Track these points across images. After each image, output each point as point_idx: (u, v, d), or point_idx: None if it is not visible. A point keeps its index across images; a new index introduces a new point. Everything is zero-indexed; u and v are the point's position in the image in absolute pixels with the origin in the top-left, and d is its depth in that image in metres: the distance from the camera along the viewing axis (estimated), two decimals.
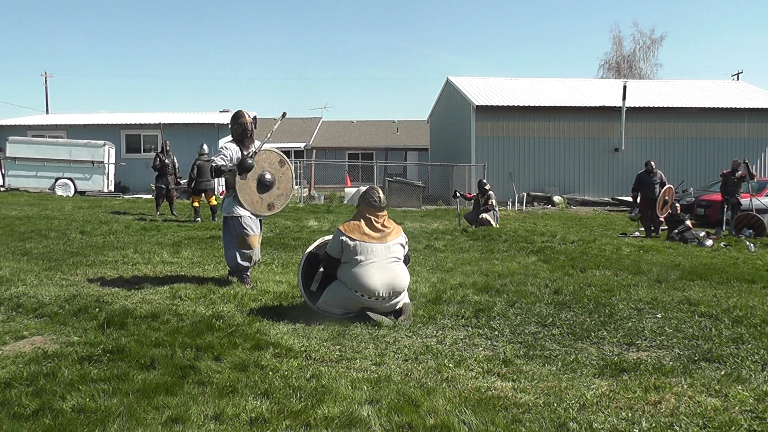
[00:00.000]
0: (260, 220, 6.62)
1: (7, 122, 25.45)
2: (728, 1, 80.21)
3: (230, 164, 6.23)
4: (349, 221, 5.30)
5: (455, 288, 6.42)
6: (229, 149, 6.34)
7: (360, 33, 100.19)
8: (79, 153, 21.05)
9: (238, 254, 6.36)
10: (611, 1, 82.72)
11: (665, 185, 13.13)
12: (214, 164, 6.24)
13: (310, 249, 5.58)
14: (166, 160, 14.68)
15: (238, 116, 6.50)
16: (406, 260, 5.43)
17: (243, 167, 6.19)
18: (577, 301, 5.90)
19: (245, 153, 6.30)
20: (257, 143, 6.58)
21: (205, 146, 14.45)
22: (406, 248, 5.43)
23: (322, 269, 5.42)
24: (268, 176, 6.41)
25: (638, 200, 13.38)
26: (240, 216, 6.32)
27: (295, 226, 12.52)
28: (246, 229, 6.34)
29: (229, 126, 6.60)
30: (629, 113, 22.83)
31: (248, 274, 6.48)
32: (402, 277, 5.19)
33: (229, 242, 6.45)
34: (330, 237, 5.43)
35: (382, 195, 5.35)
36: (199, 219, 13.32)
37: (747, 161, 14.23)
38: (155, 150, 17.16)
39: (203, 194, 13.83)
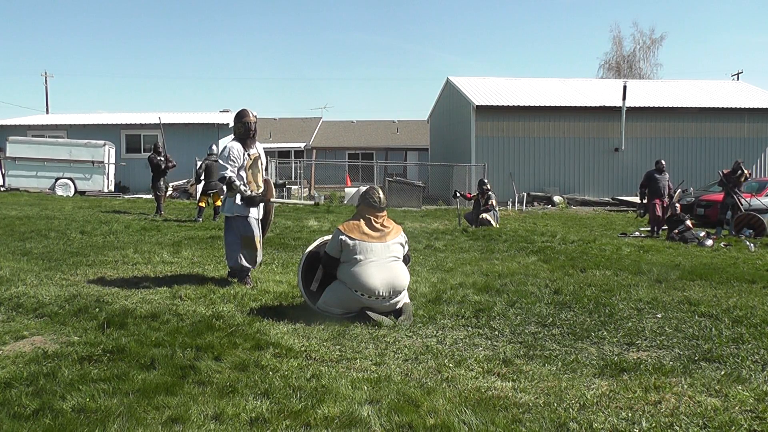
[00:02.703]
0: (260, 221, 6.58)
1: (7, 122, 25.46)
2: (728, 1, 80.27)
3: (237, 174, 6.25)
4: (349, 221, 5.32)
5: (455, 288, 6.42)
6: (234, 150, 6.30)
7: (360, 33, 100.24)
8: (79, 153, 21.05)
9: (241, 255, 6.36)
10: (611, 1, 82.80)
11: (670, 188, 13.28)
12: (222, 174, 6.23)
13: (309, 249, 5.58)
14: (161, 163, 14.71)
15: (242, 115, 6.45)
16: (407, 260, 5.44)
17: (250, 203, 6.26)
18: (577, 301, 5.90)
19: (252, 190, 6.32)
20: (258, 145, 6.58)
21: (214, 147, 14.43)
22: (406, 248, 5.44)
23: (320, 271, 5.43)
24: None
25: (645, 198, 13.38)
26: (245, 216, 6.32)
27: (295, 226, 12.51)
28: (252, 230, 6.34)
29: (233, 124, 6.56)
30: (629, 113, 22.83)
31: (249, 274, 6.48)
32: (402, 276, 5.19)
33: (231, 242, 6.43)
34: (330, 237, 5.44)
35: (382, 195, 5.37)
36: (200, 219, 13.29)
37: (722, 172, 14.33)
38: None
39: (210, 195, 13.78)
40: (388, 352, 4.32)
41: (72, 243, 9.30)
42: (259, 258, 6.59)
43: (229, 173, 6.19)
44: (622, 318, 5.35)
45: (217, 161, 13.61)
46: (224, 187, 6.30)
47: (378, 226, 5.24)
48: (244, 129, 6.41)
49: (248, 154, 6.39)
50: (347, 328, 4.80)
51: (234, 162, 6.25)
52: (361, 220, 5.25)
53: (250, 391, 3.51)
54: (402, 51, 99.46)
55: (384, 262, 5.12)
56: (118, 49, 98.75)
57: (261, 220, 6.58)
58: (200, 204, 13.66)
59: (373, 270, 5.05)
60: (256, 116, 6.53)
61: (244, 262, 6.39)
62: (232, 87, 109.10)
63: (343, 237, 5.14)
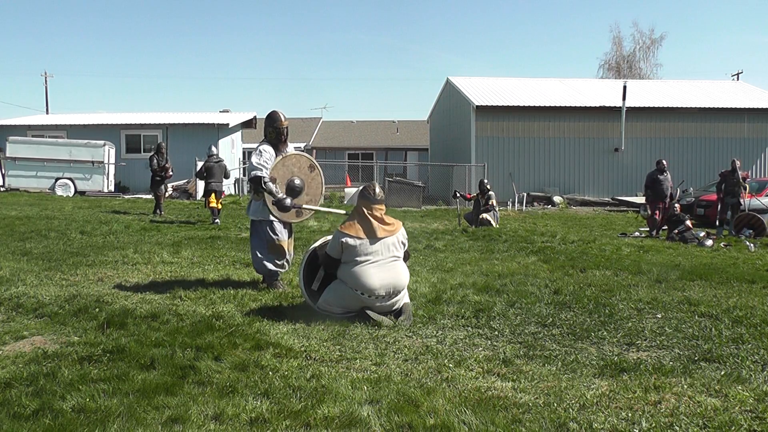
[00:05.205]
0: (290, 225, 6.45)
1: (7, 122, 25.44)
2: (728, 1, 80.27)
3: (268, 175, 6.04)
4: (348, 221, 5.28)
5: (455, 288, 6.42)
6: (266, 152, 6.10)
7: (360, 33, 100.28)
8: (79, 153, 21.04)
9: (266, 259, 6.18)
10: (611, 1, 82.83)
11: (671, 187, 13.33)
12: (254, 174, 5.99)
13: (311, 248, 5.57)
14: (158, 171, 14.74)
15: (273, 119, 6.26)
16: (406, 257, 5.44)
17: (281, 207, 6.01)
18: (577, 301, 5.90)
19: (287, 197, 6.08)
20: (290, 147, 6.47)
21: (213, 148, 14.25)
22: (406, 244, 5.43)
23: (322, 270, 5.42)
24: (297, 181, 6.18)
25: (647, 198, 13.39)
26: (271, 221, 6.17)
27: (295, 226, 12.46)
28: (277, 235, 6.20)
29: (263, 127, 6.39)
30: (629, 113, 22.83)
31: (279, 278, 6.34)
32: (402, 276, 5.19)
33: (256, 246, 6.27)
34: (331, 237, 5.44)
35: (378, 189, 5.35)
36: (217, 221, 13.05)
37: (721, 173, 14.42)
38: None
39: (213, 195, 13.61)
40: (388, 352, 4.32)
41: (72, 243, 9.30)
42: (288, 264, 6.42)
43: (263, 173, 5.98)
44: (622, 318, 5.35)
45: (218, 162, 13.70)
46: (253, 188, 6.11)
47: (377, 222, 5.19)
48: (275, 134, 6.24)
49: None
50: (347, 328, 4.80)
51: (267, 163, 6.05)
52: (360, 219, 5.21)
53: (250, 391, 3.51)
54: (402, 51, 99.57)
55: (384, 262, 5.11)
56: (118, 49, 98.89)
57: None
58: (210, 205, 13.51)
59: (374, 270, 5.04)
60: (286, 118, 6.36)
61: (271, 266, 6.20)
62: (232, 87, 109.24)
63: (343, 238, 5.11)
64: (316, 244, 5.60)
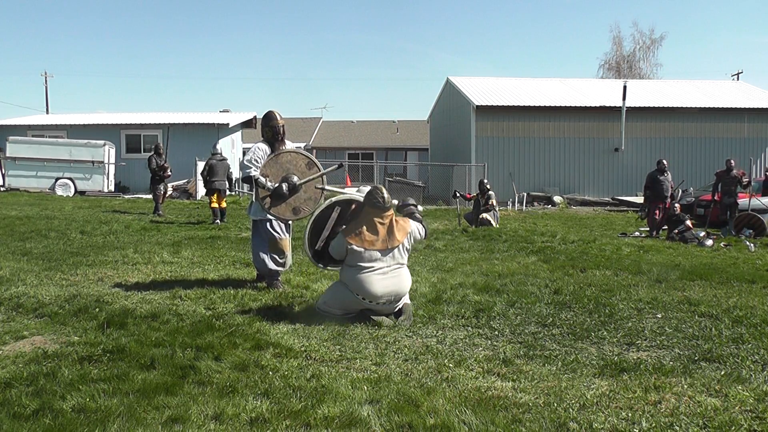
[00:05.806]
0: (288, 224, 6.42)
1: (7, 122, 25.45)
2: (728, 1, 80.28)
3: (260, 173, 6.00)
4: (355, 228, 5.15)
5: (455, 288, 6.42)
6: (260, 150, 6.14)
7: (360, 33, 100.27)
8: (79, 153, 21.04)
9: (268, 258, 6.21)
10: (611, 1, 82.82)
11: (672, 188, 13.31)
12: (246, 174, 6.01)
13: (316, 213, 5.53)
14: (157, 170, 14.77)
15: (269, 119, 6.28)
16: (425, 234, 5.51)
17: (278, 196, 5.98)
18: (577, 301, 5.90)
19: (290, 182, 6.03)
20: (288, 144, 6.44)
21: (218, 146, 14.15)
22: (421, 233, 5.41)
23: (326, 231, 5.37)
24: (294, 179, 6.12)
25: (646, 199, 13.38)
26: (270, 219, 6.18)
27: (295, 226, 12.48)
28: (278, 233, 6.21)
29: (260, 128, 6.36)
30: (629, 113, 22.83)
31: (279, 278, 6.35)
32: (405, 283, 5.17)
33: (258, 246, 6.29)
34: (338, 198, 5.53)
35: (386, 194, 5.18)
36: (218, 221, 12.94)
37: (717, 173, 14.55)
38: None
39: (216, 194, 13.46)
40: (388, 352, 4.32)
41: (72, 243, 9.30)
42: (289, 261, 6.43)
43: (253, 173, 5.98)
44: (622, 318, 5.35)
45: (221, 161, 13.67)
46: (249, 182, 6.09)
47: (384, 232, 5.09)
48: (272, 133, 6.25)
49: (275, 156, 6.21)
50: (347, 328, 4.80)
51: (258, 162, 6.06)
52: (368, 228, 5.09)
53: (250, 391, 3.51)
54: (402, 51, 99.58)
55: (388, 269, 5.06)
56: (118, 49, 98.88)
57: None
58: (212, 205, 13.45)
59: (377, 278, 5.00)
60: (282, 118, 6.35)
61: (272, 265, 6.22)
62: (232, 87, 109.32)
63: (349, 245, 5.05)
64: (321, 208, 5.54)
